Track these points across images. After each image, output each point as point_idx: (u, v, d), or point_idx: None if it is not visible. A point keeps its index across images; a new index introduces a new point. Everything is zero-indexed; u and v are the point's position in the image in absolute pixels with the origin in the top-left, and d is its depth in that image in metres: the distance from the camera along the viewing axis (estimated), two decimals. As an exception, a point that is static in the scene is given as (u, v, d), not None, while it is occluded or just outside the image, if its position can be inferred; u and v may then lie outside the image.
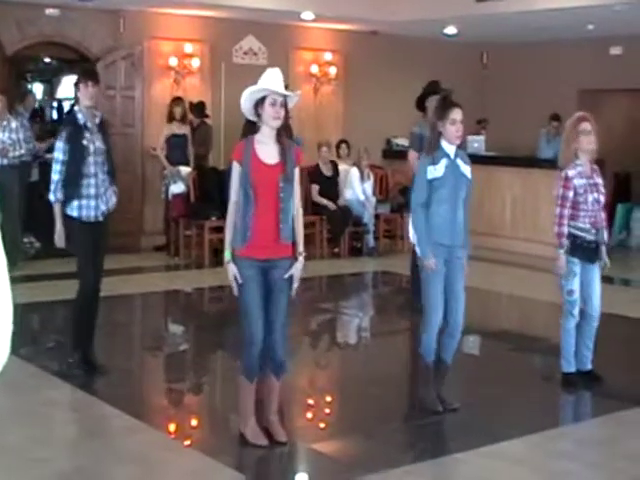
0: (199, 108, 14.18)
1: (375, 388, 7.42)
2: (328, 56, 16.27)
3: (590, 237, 7.18)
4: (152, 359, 8.77)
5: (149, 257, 13.27)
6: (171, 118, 13.46)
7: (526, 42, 16.71)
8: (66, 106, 18.16)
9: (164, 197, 13.40)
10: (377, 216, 14.33)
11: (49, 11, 13.59)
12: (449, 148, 6.57)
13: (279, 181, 5.77)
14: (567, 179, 7.08)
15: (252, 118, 5.95)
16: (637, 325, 9.72)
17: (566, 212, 7.08)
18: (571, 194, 7.06)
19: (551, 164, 12.53)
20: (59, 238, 7.33)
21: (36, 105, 18.72)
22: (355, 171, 13.88)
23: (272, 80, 5.82)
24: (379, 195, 15.00)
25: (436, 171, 6.50)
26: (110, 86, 14.15)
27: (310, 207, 13.74)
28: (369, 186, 14.24)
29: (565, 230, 7.10)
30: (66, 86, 20.29)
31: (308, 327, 10.00)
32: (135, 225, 13.82)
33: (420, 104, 10.30)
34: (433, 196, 6.51)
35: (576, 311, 7.24)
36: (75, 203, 7.28)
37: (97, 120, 7.45)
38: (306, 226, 13.97)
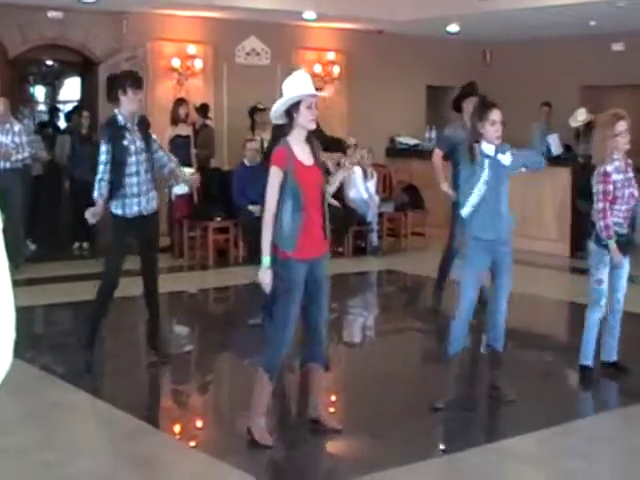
0: (203, 110, 14.20)
1: (381, 386, 7.42)
2: (331, 55, 16.28)
3: (622, 231, 7.25)
4: (156, 361, 8.75)
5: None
6: (175, 120, 13.46)
7: (528, 39, 16.70)
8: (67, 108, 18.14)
9: (167, 199, 13.41)
10: (380, 215, 14.32)
11: (52, 14, 13.61)
12: (489, 148, 6.67)
13: (321, 183, 5.98)
14: (606, 174, 7.14)
15: (281, 121, 6.02)
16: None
17: (608, 206, 7.15)
18: (611, 188, 7.13)
19: (554, 161, 12.57)
20: (92, 214, 7.57)
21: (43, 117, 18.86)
22: (358, 170, 13.87)
23: (305, 84, 5.92)
24: (382, 194, 15.01)
25: (483, 174, 6.62)
26: (113, 88, 14.18)
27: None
28: (372, 185, 14.24)
29: (610, 222, 7.15)
30: (69, 89, 20.31)
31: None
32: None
33: (457, 105, 10.24)
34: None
35: (603, 302, 7.29)
36: (119, 202, 7.56)
37: (137, 119, 7.64)
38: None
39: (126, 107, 7.52)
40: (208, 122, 14.32)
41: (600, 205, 7.17)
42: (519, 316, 10.09)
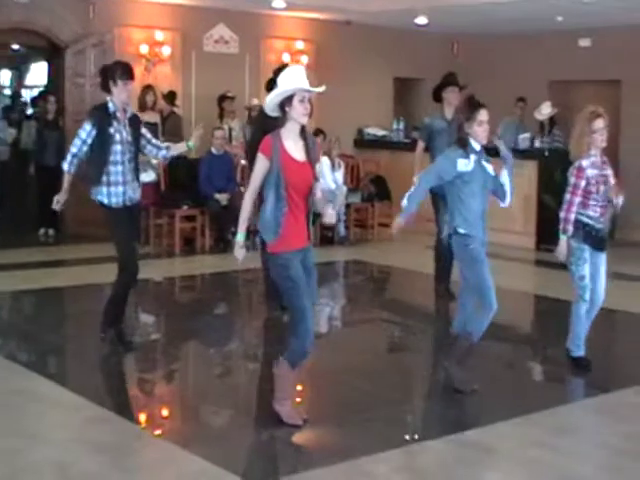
0: (170, 97, 14.16)
1: (347, 376, 7.44)
2: (300, 45, 16.27)
3: (599, 225, 7.35)
4: (122, 349, 8.73)
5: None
6: (142, 107, 13.41)
7: (496, 33, 16.77)
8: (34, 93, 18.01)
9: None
10: (348, 205, 14.35)
11: (18, -3, 13.49)
12: (476, 146, 6.84)
13: (310, 181, 6.02)
14: (580, 169, 7.25)
15: (274, 114, 6.06)
16: (608, 315, 9.78)
17: (576, 200, 7.24)
18: (583, 183, 7.22)
19: (522, 154, 12.62)
20: (57, 202, 7.75)
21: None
22: (326, 160, 13.87)
23: (299, 78, 5.96)
24: (350, 184, 15.02)
25: (467, 165, 6.77)
26: (79, 74, 14.12)
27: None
28: (340, 175, 14.25)
29: (572, 217, 7.26)
30: (35, 74, 20.16)
31: (281, 317, 10.01)
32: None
33: (437, 95, 10.40)
34: (464, 190, 6.81)
35: (587, 296, 7.38)
36: (104, 189, 7.69)
37: (128, 115, 7.80)
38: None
39: (117, 97, 7.67)
40: (175, 110, 14.28)
41: (567, 197, 7.29)
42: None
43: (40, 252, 12.84)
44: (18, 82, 21.49)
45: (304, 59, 16.07)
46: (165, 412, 6.88)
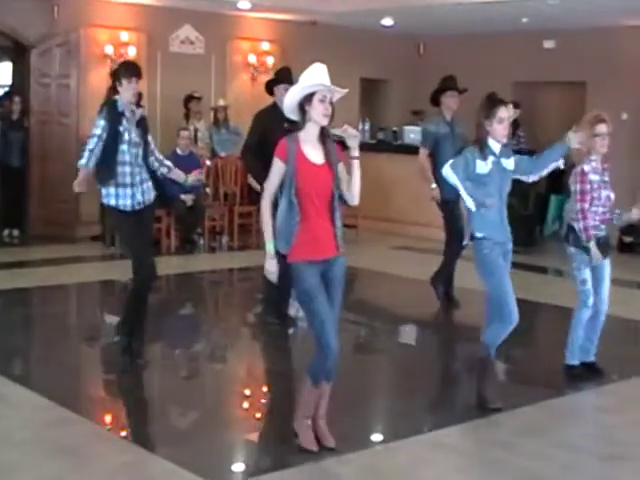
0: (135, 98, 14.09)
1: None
2: (265, 46, 16.28)
3: (601, 233, 7.22)
4: (87, 350, 8.72)
5: (85, 247, 13.17)
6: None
7: (462, 34, 16.84)
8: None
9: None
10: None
11: (-19, -2, 13.40)
12: (495, 146, 6.59)
13: (330, 185, 5.62)
14: (584, 174, 7.10)
15: (294, 117, 5.70)
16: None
17: (587, 206, 7.09)
18: (589, 188, 7.09)
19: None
20: (78, 184, 7.52)
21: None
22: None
23: (321, 75, 5.62)
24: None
25: (484, 168, 6.54)
26: (45, 74, 14.06)
27: (247, 196, 13.76)
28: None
29: (590, 223, 7.11)
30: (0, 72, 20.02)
31: (246, 315, 10.04)
32: (70, 215, 13.70)
33: (435, 99, 10.07)
34: (479, 193, 6.53)
35: (590, 301, 7.25)
36: (112, 191, 7.51)
37: (137, 116, 7.68)
38: (243, 216, 14.07)
39: (123, 96, 7.57)
40: (141, 110, 14.23)
41: (578, 206, 7.12)
42: (454, 310, 10.22)
43: (5, 253, 12.76)
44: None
45: (270, 60, 16.09)
46: (131, 414, 6.87)
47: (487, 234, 6.57)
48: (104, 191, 7.57)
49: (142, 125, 7.70)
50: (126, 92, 7.58)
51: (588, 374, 7.43)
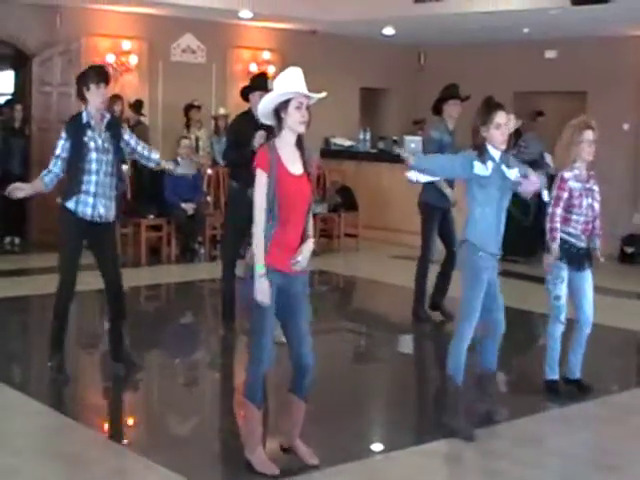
0: (136, 107, 14.14)
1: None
2: (266, 55, 16.30)
3: (581, 244, 7.06)
4: (87, 357, 8.73)
5: (84, 255, 13.13)
6: (109, 116, 13.36)
7: (463, 44, 16.86)
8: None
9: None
10: (314, 215, 14.33)
11: (-17, 6, 13.43)
12: (495, 153, 6.28)
13: (309, 196, 5.44)
14: (562, 180, 6.96)
15: (269, 122, 5.49)
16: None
17: (558, 211, 6.94)
18: (565, 195, 6.94)
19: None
20: (14, 188, 7.32)
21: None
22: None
23: (296, 81, 5.39)
24: (316, 195, 15.03)
25: (484, 170, 6.22)
26: (46, 82, 14.08)
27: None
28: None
29: (557, 225, 6.95)
30: (1, 81, 20.05)
31: (245, 324, 10.03)
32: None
33: (437, 108, 9.81)
34: (478, 196, 6.25)
35: (563, 317, 7.10)
36: (73, 197, 7.22)
37: (105, 121, 7.29)
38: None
39: (91, 103, 7.18)
40: (142, 119, 14.26)
41: (550, 209, 7.00)
42: (453, 320, 10.20)
43: (5, 260, 12.77)
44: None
45: (271, 69, 16.09)
46: (128, 421, 6.88)
47: (478, 242, 6.26)
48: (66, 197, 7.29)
49: (112, 129, 7.32)
50: (96, 98, 7.17)
51: (574, 391, 7.27)
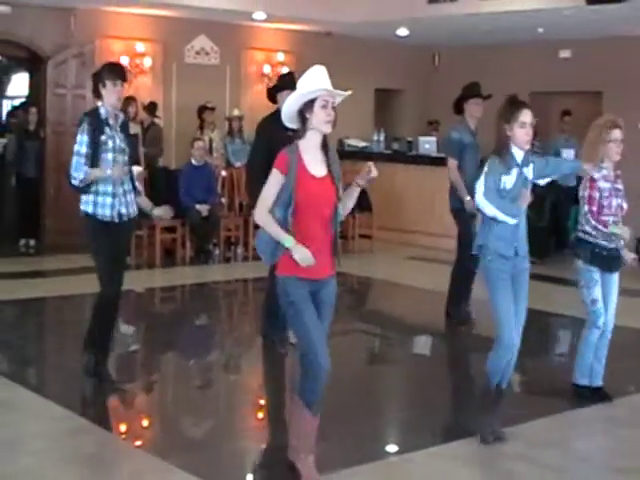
0: (151, 108, 14.16)
1: (328, 388, 7.40)
2: (280, 56, 16.31)
3: (611, 245, 6.90)
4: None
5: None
6: (123, 118, 13.38)
7: (477, 44, 16.84)
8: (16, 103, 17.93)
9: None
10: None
11: (-1, 8, 13.48)
12: (518, 154, 6.10)
13: (332, 199, 5.21)
14: (592, 180, 6.79)
15: (293, 125, 5.28)
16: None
17: (595, 209, 6.79)
18: (597, 195, 6.79)
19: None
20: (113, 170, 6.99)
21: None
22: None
23: (320, 79, 5.19)
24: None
25: (510, 181, 6.07)
26: (61, 84, 14.11)
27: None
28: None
29: (602, 218, 6.78)
30: (16, 84, 20.10)
31: (259, 328, 10.04)
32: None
33: (458, 107, 9.64)
34: (508, 207, 6.06)
35: (601, 322, 6.94)
36: (91, 198, 7.02)
37: (120, 121, 7.20)
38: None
39: (106, 100, 7.05)
40: (156, 121, 14.29)
41: (586, 208, 6.84)
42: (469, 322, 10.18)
43: (21, 263, 12.80)
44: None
45: (284, 70, 16.09)
46: (145, 423, 6.87)
47: (498, 248, 6.09)
48: (83, 197, 7.07)
49: (125, 131, 7.25)
50: (110, 96, 7.04)
51: (595, 398, 7.11)
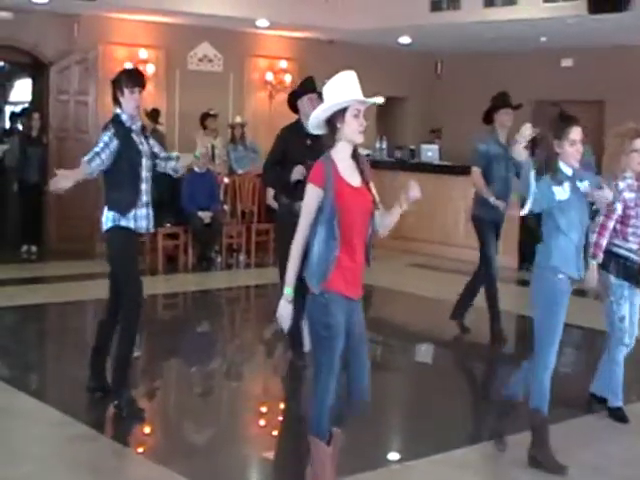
0: (153, 115, 14.15)
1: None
2: (283, 64, 16.32)
3: (637, 258, 6.65)
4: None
5: (102, 263, 13.13)
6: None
7: (480, 52, 16.85)
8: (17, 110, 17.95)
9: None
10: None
11: (2, 14, 13.50)
12: (568, 171, 5.85)
13: (370, 207, 5.00)
14: (617, 191, 6.44)
15: (320, 132, 5.03)
16: (589, 334, 9.79)
17: (610, 225, 6.54)
18: (620, 207, 6.53)
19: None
20: (59, 179, 6.38)
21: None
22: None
23: (352, 87, 5.04)
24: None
25: (563, 193, 5.77)
26: (64, 91, 14.13)
27: (264, 213, 13.79)
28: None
29: (604, 242, 6.53)
30: (19, 90, 20.13)
31: (261, 336, 10.04)
32: (88, 231, 13.70)
33: (488, 117, 9.41)
34: (561, 221, 5.77)
35: (627, 339, 6.73)
36: (132, 212, 6.72)
37: (139, 126, 6.98)
38: (260, 233, 14.06)
39: (125, 108, 6.82)
40: (159, 127, 14.28)
41: (601, 219, 6.56)
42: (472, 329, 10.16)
43: (23, 269, 12.79)
44: (2, 99, 21.40)
45: (287, 78, 16.13)
46: (147, 430, 6.85)
47: (562, 266, 5.80)
48: (113, 212, 6.73)
49: (144, 134, 7.04)
50: (128, 103, 6.80)
51: (603, 408, 6.99)
